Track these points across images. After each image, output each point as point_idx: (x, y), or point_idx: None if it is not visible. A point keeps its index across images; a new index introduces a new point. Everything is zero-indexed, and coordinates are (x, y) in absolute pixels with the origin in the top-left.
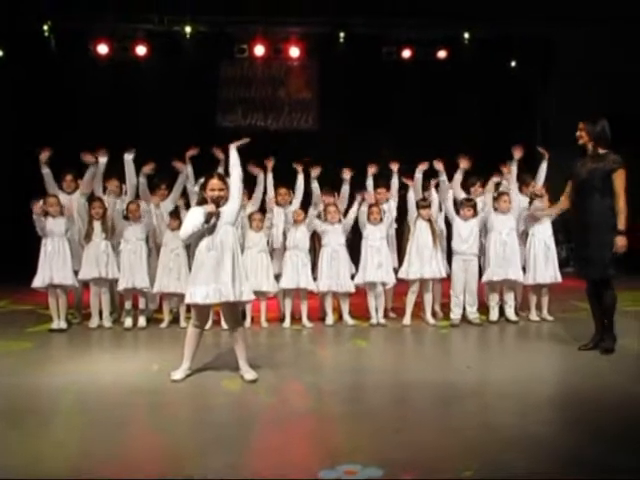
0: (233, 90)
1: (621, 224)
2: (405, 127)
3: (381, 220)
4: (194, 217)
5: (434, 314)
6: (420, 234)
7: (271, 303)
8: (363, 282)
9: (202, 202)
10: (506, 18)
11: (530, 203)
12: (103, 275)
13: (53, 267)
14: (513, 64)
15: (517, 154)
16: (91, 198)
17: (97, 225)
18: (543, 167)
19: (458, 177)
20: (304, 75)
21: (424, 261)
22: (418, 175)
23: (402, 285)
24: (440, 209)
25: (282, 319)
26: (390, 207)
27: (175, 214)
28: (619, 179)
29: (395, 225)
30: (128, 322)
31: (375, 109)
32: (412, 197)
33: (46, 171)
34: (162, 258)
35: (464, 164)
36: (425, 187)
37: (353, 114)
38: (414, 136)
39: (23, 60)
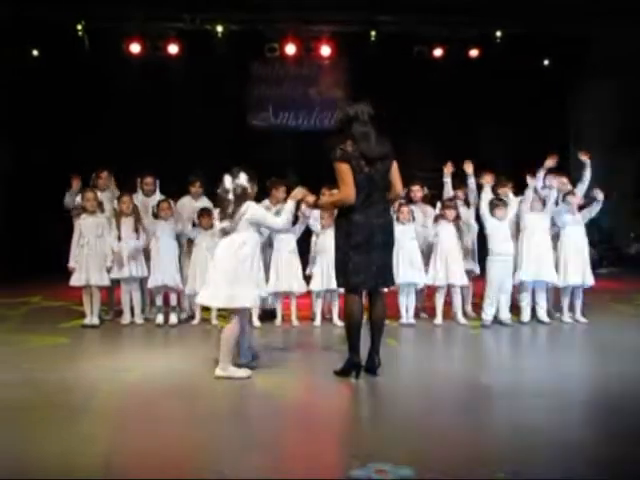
0: (264, 89)
1: None
2: (435, 127)
3: (414, 219)
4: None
5: (465, 314)
6: (444, 237)
7: (302, 302)
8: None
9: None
10: (539, 15)
11: (564, 200)
12: (133, 274)
13: (90, 268)
14: (546, 62)
15: (550, 163)
16: (120, 194)
17: (127, 222)
18: (586, 175)
19: (485, 196)
20: (335, 74)
21: (450, 267)
22: (447, 180)
23: (433, 286)
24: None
25: (313, 318)
26: (423, 211)
27: (206, 212)
28: None
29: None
30: (159, 319)
31: (405, 108)
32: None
33: (72, 199)
34: (195, 258)
35: (488, 180)
36: (455, 187)
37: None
38: (444, 136)
39: (57, 59)
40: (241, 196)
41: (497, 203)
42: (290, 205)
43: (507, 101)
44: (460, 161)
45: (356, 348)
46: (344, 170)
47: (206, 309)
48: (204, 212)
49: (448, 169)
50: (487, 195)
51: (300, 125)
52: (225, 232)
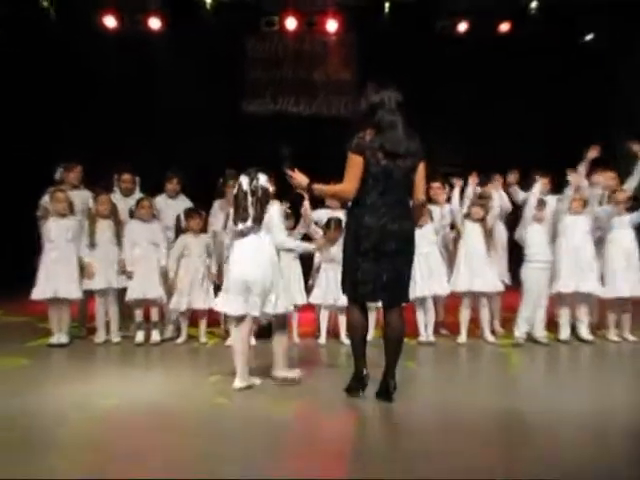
0: (260, 70)
1: None
2: (458, 114)
3: (432, 220)
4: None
5: (493, 331)
6: (469, 238)
7: (305, 317)
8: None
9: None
10: None
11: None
12: (113, 285)
13: (58, 278)
14: (589, 37)
15: (592, 154)
16: (97, 193)
17: (103, 226)
18: (638, 170)
19: (533, 196)
20: (342, 53)
21: (474, 271)
22: (470, 189)
23: (456, 297)
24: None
25: (317, 334)
26: (445, 211)
27: (196, 213)
28: None
29: (452, 233)
30: (139, 337)
31: (425, 92)
32: (457, 194)
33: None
34: (185, 267)
35: (513, 178)
36: (483, 183)
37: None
38: (470, 122)
39: (19, 33)
40: (263, 197)
41: (537, 203)
42: (306, 246)
43: (542, 84)
44: (485, 153)
45: (359, 361)
46: (354, 163)
47: (193, 325)
48: (193, 213)
49: (474, 180)
50: (535, 194)
51: (302, 112)
52: (242, 234)
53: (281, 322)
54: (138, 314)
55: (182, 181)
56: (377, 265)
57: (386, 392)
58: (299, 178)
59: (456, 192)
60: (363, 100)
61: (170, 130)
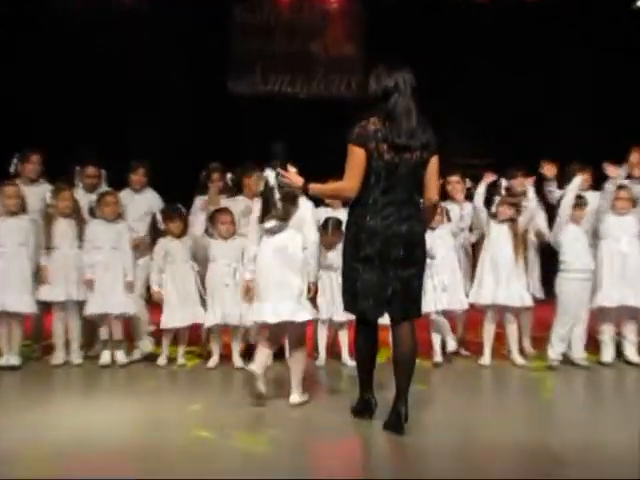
0: (249, 43)
1: None
2: (479, 96)
3: (449, 220)
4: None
5: (522, 351)
6: (495, 241)
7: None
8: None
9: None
10: None
11: None
12: (73, 297)
13: (7, 288)
14: None
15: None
16: (57, 188)
17: (62, 226)
18: None
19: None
20: (346, 23)
21: (500, 281)
22: (480, 190)
23: (478, 311)
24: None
25: (315, 355)
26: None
27: (175, 212)
28: None
29: (472, 237)
30: (105, 357)
31: (438, 70)
32: (481, 192)
33: None
34: (169, 275)
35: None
36: (512, 176)
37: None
38: (491, 104)
39: None
40: (291, 192)
41: (576, 202)
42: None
43: (578, 59)
44: (509, 144)
45: (365, 388)
46: (355, 156)
47: (174, 344)
48: (172, 214)
49: (488, 178)
50: (573, 191)
51: (299, 92)
52: (272, 233)
53: (300, 334)
54: (102, 331)
55: (150, 172)
56: (381, 275)
57: (396, 422)
58: (293, 178)
59: (481, 188)
60: (373, 83)
61: (142, 113)
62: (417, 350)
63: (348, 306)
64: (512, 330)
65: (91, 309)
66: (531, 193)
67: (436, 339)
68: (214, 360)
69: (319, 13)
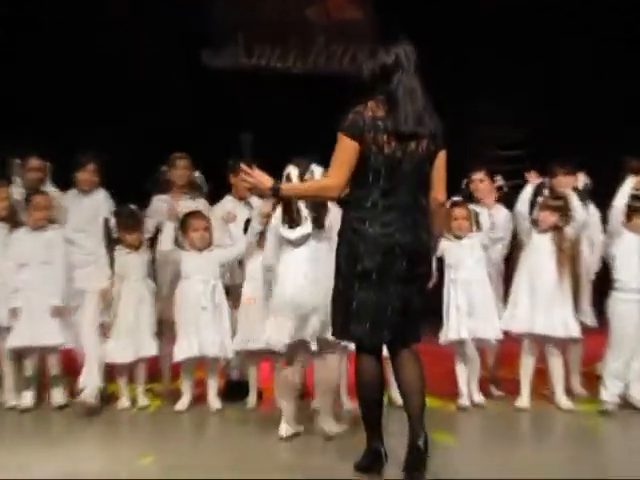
0: (230, 9)
1: None
2: (505, 75)
3: (479, 228)
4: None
5: (570, 392)
6: (535, 255)
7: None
8: (446, 339)
9: None
10: None
11: None
12: (2, 323)
13: None
14: None
15: None
16: None
17: None
18: None
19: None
20: None
21: (538, 303)
22: (527, 189)
23: (513, 341)
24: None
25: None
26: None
27: (132, 218)
28: None
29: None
30: (58, 397)
31: (440, 58)
32: (526, 197)
33: None
34: (123, 296)
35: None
36: (552, 174)
37: (424, 50)
38: (510, 87)
39: None
40: None
41: (635, 206)
42: None
43: (579, 48)
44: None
45: (372, 432)
46: (345, 147)
47: (130, 381)
48: (129, 223)
49: (532, 178)
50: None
51: (291, 67)
52: (296, 243)
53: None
54: (28, 366)
55: (102, 169)
56: (380, 293)
57: (417, 459)
58: (259, 178)
59: (527, 190)
60: (369, 61)
61: (142, 113)
62: (424, 374)
63: (337, 330)
64: (556, 365)
65: (15, 341)
66: (575, 201)
67: (462, 376)
68: (183, 402)
69: None
